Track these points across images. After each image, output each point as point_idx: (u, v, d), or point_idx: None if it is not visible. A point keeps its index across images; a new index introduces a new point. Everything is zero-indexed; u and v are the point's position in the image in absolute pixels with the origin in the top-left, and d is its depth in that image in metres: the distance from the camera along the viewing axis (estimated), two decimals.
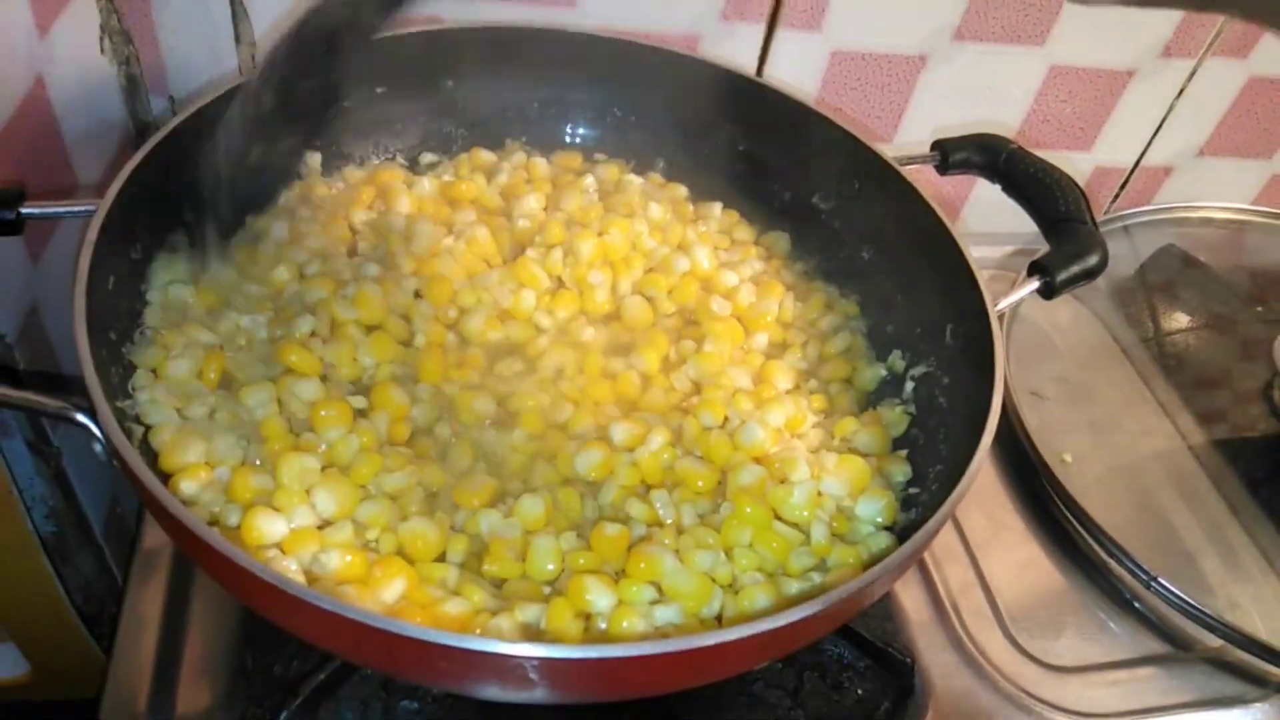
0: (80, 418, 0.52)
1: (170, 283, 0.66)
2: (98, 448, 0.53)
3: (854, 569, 0.59)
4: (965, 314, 0.66)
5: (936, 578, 0.76)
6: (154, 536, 0.73)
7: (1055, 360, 0.93)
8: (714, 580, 0.57)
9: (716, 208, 0.82)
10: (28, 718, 0.88)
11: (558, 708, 0.62)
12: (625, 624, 0.53)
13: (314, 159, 0.77)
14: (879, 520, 0.63)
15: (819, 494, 0.63)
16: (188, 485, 0.56)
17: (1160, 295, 0.99)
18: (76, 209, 0.61)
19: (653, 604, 0.55)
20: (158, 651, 0.66)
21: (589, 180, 0.80)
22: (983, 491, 0.83)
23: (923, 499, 0.64)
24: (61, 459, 0.75)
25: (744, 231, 0.82)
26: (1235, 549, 0.80)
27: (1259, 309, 0.99)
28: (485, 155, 0.82)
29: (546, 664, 0.44)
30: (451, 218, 0.76)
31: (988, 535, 0.79)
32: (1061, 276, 0.67)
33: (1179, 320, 0.98)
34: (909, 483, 0.66)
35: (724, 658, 0.48)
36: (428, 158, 0.82)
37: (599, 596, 0.54)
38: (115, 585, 0.85)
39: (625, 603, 0.54)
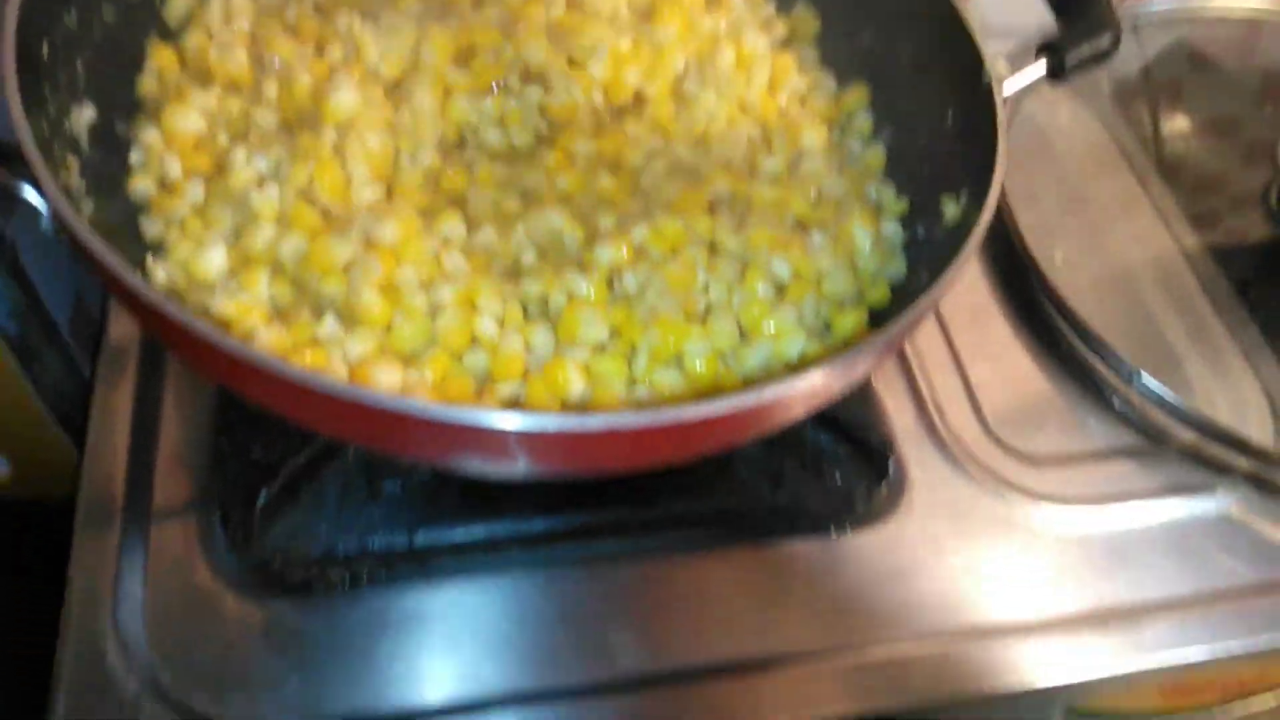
0: (27, 190, 0.49)
1: None
2: (43, 224, 0.50)
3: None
4: (968, 94, 0.63)
5: (920, 378, 0.75)
6: (120, 330, 0.71)
7: (1052, 163, 0.90)
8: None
9: None
10: (10, 516, 0.88)
11: (538, 490, 0.62)
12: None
13: None
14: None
15: None
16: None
17: (1165, 95, 0.95)
18: None
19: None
20: (131, 446, 0.65)
21: None
22: (971, 294, 0.81)
23: (912, 289, 0.63)
24: (17, 252, 0.72)
25: None
26: (1219, 349, 0.79)
27: (1266, 109, 0.95)
28: None
29: (525, 437, 0.44)
30: None
31: (974, 337, 0.79)
32: (1071, 56, 0.63)
33: (1182, 122, 0.94)
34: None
35: (706, 432, 0.47)
36: None
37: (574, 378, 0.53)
38: (85, 383, 0.83)
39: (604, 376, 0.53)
